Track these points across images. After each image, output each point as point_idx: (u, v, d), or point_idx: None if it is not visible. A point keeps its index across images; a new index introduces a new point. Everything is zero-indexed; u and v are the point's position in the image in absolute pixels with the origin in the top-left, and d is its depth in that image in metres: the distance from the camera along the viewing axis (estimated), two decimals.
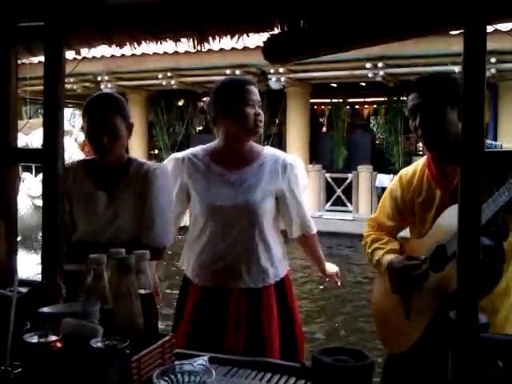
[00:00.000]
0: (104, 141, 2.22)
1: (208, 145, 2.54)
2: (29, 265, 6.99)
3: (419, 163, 2.27)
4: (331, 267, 2.76)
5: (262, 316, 2.37)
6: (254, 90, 2.41)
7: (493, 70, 10.35)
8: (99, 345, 1.27)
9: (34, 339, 1.29)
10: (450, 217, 2.00)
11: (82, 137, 15.85)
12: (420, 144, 16.41)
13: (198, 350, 1.73)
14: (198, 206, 2.42)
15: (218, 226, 2.39)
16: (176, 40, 2.26)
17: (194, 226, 2.47)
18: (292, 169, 2.47)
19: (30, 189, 10.78)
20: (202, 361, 1.49)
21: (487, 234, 1.87)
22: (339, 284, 2.81)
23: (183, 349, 1.76)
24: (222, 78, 2.73)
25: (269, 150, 2.52)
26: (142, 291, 1.48)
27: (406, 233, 2.34)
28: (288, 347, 2.42)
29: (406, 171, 2.30)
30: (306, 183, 2.56)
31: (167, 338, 1.52)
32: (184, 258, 2.54)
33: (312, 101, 14.29)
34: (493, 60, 9.93)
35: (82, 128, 2.42)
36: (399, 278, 2.13)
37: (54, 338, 1.30)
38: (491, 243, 1.88)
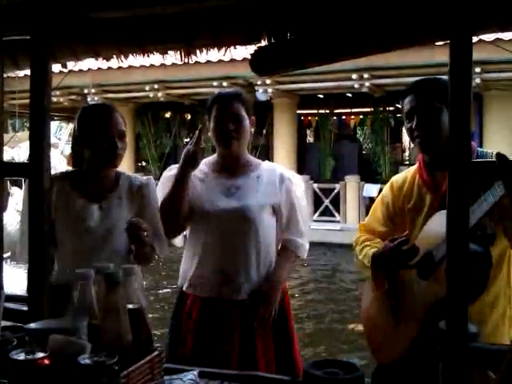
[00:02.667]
0: (118, 145, 2.22)
1: (207, 158, 2.56)
2: (18, 280, 6.91)
3: (410, 170, 2.29)
4: (276, 298, 2.39)
5: (257, 331, 2.34)
6: (232, 103, 2.40)
7: (478, 80, 10.47)
8: (87, 361, 1.25)
9: (21, 356, 1.27)
10: (436, 223, 2.00)
11: (68, 150, 15.85)
12: (406, 154, 16.56)
13: (203, 363, 1.70)
14: (194, 214, 2.41)
15: (214, 233, 2.37)
16: (163, 52, 2.26)
17: (191, 237, 2.46)
18: (290, 183, 2.47)
19: (18, 204, 10.69)
20: (191, 375, 1.48)
21: (473, 238, 1.87)
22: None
23: (187, 362, 1.73)
24: (209, 90, 2.75)
25: (267, 164, 2.54)
26: (131, 306, 1.46)
27: None
28: (285, 365, 2.38)
29: (398, 178, 2.32)
30: (305, 203, 2.55)
31: (156, 352, 1.50)
32: (181, 271, 2.51)
33: (299, 112, 14.37)
34: (477, 70, 10.04)
35: (72, 136, 2.37)
36: (388, 259, 2.10)
37: (41, 354, 1.28)
38: (477, 248, 1.87)
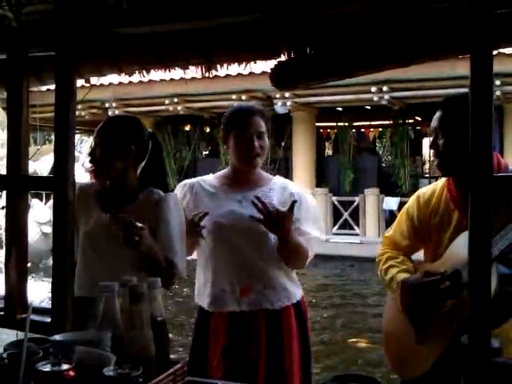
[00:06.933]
0: (112, 159, 2.25)
1: (219, 172, 2.57)
2: (38, 291, 7.00)
3: (438, 184, 2.23)
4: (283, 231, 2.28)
5: (284, 339, 2.35)
6: (256, 120, 2.38)
7: (498, 93, 10.40)
8: (112, 373, 1.26)
9: (47, 368, 1.29)
10: (466, 241, 1.96)
11: (88, 163, 16.00)
12: (426, 166, 16.43)
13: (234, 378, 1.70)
14: (206, 228, 2.40)
15: (228, 246, 2.36)
16: (184, 68, 2.29)
17: (204, 252, 2.45)
18: (301, 199, 2.40)
19: (37, 215, 10.82)
20: None
21: (505, 261, 1.84)
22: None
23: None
24: (229, 103, 2.76)
25: (278, 179, 2.52)
26: (154, 318, 1.48)
27: (417, 256, 2.31)
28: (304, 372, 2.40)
29: (424, 191, 2.26)
30: (317, 215, 2.53)
31: (179, 365, 1.51)
32: (198, 289, 2.50)
33: (318, 124, 14.36)
34: (497, 82, 9.97)
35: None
36: (417, 295, 2.05)
37: (66, 366, 1.29)
38: (509, 271, 1.84)
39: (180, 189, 2.52)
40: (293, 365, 2.35)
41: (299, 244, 2.34)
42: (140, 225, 2.02)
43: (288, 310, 2.39)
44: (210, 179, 2.52)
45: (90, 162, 2.31)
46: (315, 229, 2.46)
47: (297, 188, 2.51)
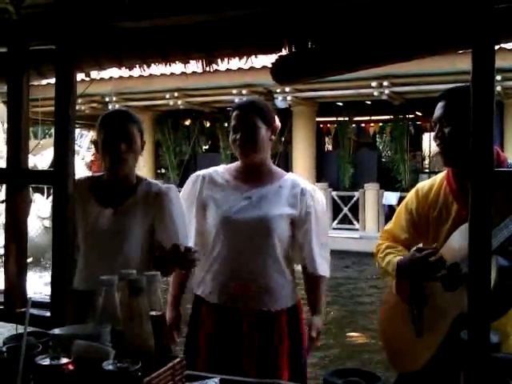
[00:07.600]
0: (121, 148, 2.19)
1: (231, 164, 2.58)
2: (39, 285, 7.02)
3: (437, 178, 2.24)
4: (318, 322, 2.44)
5: (274, 341, 2.34)
6: (247, 115, 2.39)
7: (498, 88, 10.38)
8: (111, 367, 1.26)
9: (46, 361, 1.29)
10: (465, 234, 1.96)
11: (89, 157, 16.02)
12: (426, 162, 16.42)
13: (217, 373, 1.71)
14: (212, 219, 2.41)
15: (232, 241, 2.36)
16: (185, 62, 2.29)
17: (207, 243, 2.44)
18: (311, 197, 2.44)
19: (39, 210, 10.82)
20: (212, 383, 1.48)
21: (504, 254, 1.84)
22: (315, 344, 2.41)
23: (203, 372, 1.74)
24: (229, 97, 2.77)
25: (290, 176, 2.52)
26: (153, 313, 1.48)
27: None
28: (294, 375, 2.37)
29: (423, 185, 2.27)
30: (325, 217, 2.53)
31: (178, 359, 1.51)
32: (196, 276, 2.50)
33: (318, 119, 14.35)
34: (498, 78, 9.96)
35: (93, 143, 2.39)
36: (413, 270, 2.07)
37: (65, 360, 1.29)
38: (508, 264, 1.84)
39: (191, 179, 2.52)
40: (283, 362, 2.34)
41: (320, 294, 2.52)
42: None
43: (281, 313, 2.38)
44: (221, 170, 2.53)
45: (102, 155, 2.28)
46: (323, 243, 2.47)
47: (309, 186, 2.50)
